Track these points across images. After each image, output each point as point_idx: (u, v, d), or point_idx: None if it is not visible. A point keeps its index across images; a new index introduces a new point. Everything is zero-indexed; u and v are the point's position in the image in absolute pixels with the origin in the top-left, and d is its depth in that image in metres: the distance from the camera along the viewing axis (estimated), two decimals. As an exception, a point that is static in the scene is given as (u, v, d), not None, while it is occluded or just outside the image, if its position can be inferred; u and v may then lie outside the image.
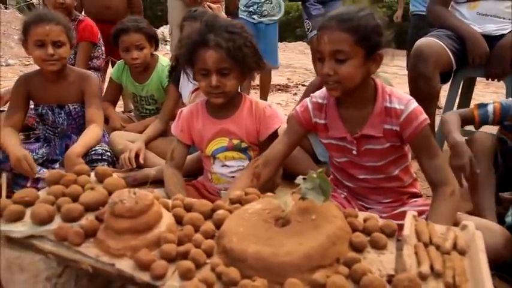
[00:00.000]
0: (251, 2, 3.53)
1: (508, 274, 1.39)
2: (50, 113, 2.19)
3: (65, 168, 1.87)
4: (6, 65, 6.24)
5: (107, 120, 2.50)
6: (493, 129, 2.03)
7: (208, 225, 1.04)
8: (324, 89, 1.52)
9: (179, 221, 1.09)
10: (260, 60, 1.62)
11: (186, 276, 0.89)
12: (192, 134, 1.71)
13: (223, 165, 1.68)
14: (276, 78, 5.13)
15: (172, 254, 0.95)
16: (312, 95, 1.55)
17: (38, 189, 1.85)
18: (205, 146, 1.68)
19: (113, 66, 3.04)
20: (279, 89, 4.86)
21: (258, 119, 1.64)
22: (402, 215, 1.37)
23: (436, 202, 1.33)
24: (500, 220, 1.53)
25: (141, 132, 2.41)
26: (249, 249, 0.91)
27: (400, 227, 1.06)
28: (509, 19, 2.31)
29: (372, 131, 1.40)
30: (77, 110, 2.20)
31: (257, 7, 3.54)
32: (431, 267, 0.91)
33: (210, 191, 1.74)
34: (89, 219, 1.07)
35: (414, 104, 1.37)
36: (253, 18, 3.55)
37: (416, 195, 1.53)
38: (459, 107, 3.01)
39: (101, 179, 1.25)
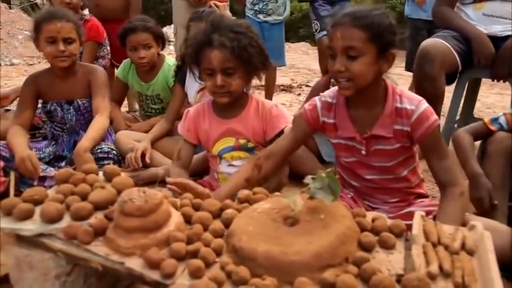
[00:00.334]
0: (257, 0, 3.55)
1: (514, 275, 1.39)
2: (58, 109, 2.22)
3: (75, 164, 1.88)
4: (11, 65, 6.26)
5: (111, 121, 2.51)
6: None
7: (217, 224, 1.04)
8: (333, 89, 1.52)
9: (188, 220, 1.09)
10: (266, 60, 1.63)
11: (195, 274, 0.90)
12: (199, 133, 1.71)
13: (230, 165, 1.69)
14: (280, 78, 5.13)
15: (181, 253, 0.95)
16: (321, 94, 1.55)
17: (45, 188, 1.88)
18: (212, 146, 1.69)
19: (113, 66, 3.05)
20: (283, 90, 4.86)
21: (265, 118, 1.65)
22: (409, 215, 1.37)
23: (445, 202, 1.33)
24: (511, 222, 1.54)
25: (146, 131, 2.41)
26: (258, 248, 0.92)
27: (408, 227, 1.07)
28: (515, 20, 2.31)
29: (382, 132, 1.40)
30: (85, 105, 2.22)
31: (262, 5, 3.55)
32: (440, 267, 0.91)
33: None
34: (98, 217, 1.08)
35: (425, 105, 1.37)
36: (259, 18, 3.56)
37: (423, 196, 1.53)
38: (464, 108, 3.01)
39: (109, 178, 1.25)
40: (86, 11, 2.96)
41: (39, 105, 2.26)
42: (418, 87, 2.28)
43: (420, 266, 0.91)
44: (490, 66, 2.30)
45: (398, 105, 1.38)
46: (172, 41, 3.83)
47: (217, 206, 1.13)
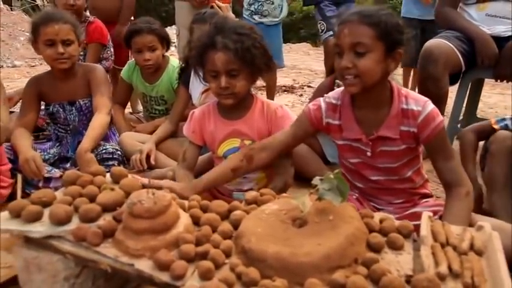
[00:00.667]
0: (252, 0, 3.54)
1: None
2: (61, 110, 2.23)
3: (78, 165, 1.89)
4: (13, 66, 6.27)
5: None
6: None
7: (226, 226, 1.05)
8: (338, 90, 1.52)
9: (196, 221, 1.10)
10: (270, 61, 1.63)
11: (206, 276, 0.90)
12: (204, 135, 1.71)
13: (235, 166, 1.68)
14: (282, 79, 5.13)
15: (191, 255, 0.95)
16: (326, 95, 1.55)
17: (51, 188, 1.89)
18: (217, 147, 1.69)
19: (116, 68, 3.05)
20: (285, 90, 4.87)
21: (270, 119, 1.65)
22: (414, 216, 1.38)
23: (451, 203, 1.33)
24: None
25: (150, 132, 2.42)
26: (268, 250, 0.92)
27: (415, 227, 1.07)
28: (518, 20, 2.32)
29: (389, 133, 1.40)
30: (87, 105, 2.23)
31: (258, 6, 3.54)
32: (450, 268, 0.91)
33: (222, 191, 1.75)
34: (106, 219, 1.08)
35: (431, 106, 1.37)
36: (254, 19, 3.54)
37: (428, 196, 1.54)
38: (467, 108, 3.01)
39: (116, 179, 1.26)
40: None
41: (42, 108, 2.27)
42: (422, 87, 2.29)
43: (429, 267, 0.92)
44: (493, 67, 2.31)
45: (405, 106, 1.39)
46: (174, 42, 3.82)
47: (225, 208, 1.13)
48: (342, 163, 1.58)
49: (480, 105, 3.33)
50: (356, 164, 1.51)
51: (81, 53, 2.73)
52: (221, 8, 2.50)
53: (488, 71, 2.36)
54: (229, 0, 3.24)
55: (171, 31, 4.83)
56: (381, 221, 1.08)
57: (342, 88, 1.50)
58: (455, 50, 2.26)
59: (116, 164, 2.07)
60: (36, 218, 1.09)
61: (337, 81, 1.91)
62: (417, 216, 1.35)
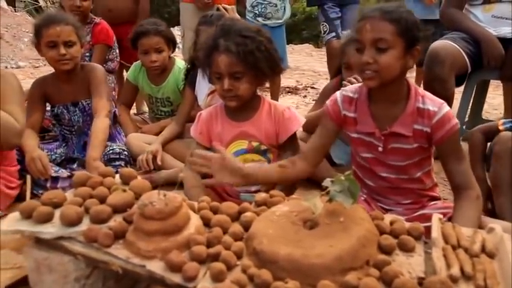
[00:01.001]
0: (256, 1, 3.54)
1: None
2: (65, 111, 2.25)
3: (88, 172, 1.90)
4: (17, 67, 6.28)
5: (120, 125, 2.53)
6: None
7: (237, 227, 1.05)
8: (356, 84, 1.54)
9: (206, 223, 1.10)
10: (274, 64, 1.62)
11: (218, 278, 0.90)
12: (211, 136, 1.71)
13: (243, 168, 1.68)
14: (285, 80, 5.13)
15: (202, 256, 0.96)
16: (342, 88, 1.57)
17: (58, 189, 1.90)
18: (225, 149, 1.69)
19: (122, 69, 3.06)
20: (289, 92, 4.87)
21: (277, 121, 1.65)
22: (423, 218, 1.39)
23: (461, 204, 1.33)
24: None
25: (156, 134, 2.43)
26: (280, 251, 0.92)
27: (425, 229, 1.07)
28: (525, 22, 2.32)
29: (402, 130, 1.41)
30: (90, 105, 2.24)
31: (261, 8, 3.54)
32: (462, 270, 0.91)
33: (230, 193, 1.74)
34: (117, 220, 1.08)
35: (447, 108, 1.39)
36: (258, 21, 3.55)
37: (436, 199, 1.54)
38: (472, 109, 3.01)
39: (125, 180, 1.26)
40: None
41: (48, 109, 2.29)
42: (428, 88, 2.28)
43: (441, 269, 0.92)
44: (499, 68, 2.31)
45: (421, 105, 1.39)
46: (178, 43, 3.83)
47: (235, 209, 1.13)
48: (354, 158, 1.59)
49: (484, 106, 3.33)
50: (368, 159, 1.52)
51: (87, 54, 2.75)
52: (227, 10, 2.50)
53: (494, 72, 2.37)
54: (234, 1, 3.25)
55: (174, 32, 4.84)
56: (391, 223, 1.08)
57: (359, 84, 1.53)
58: (462, 51, 2.26)
59: (123, 164, 2.09)
60: (47, 219, 1.09)
61: (344, 82, 1.90)
62: (426, 218, 1.35)
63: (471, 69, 2.33)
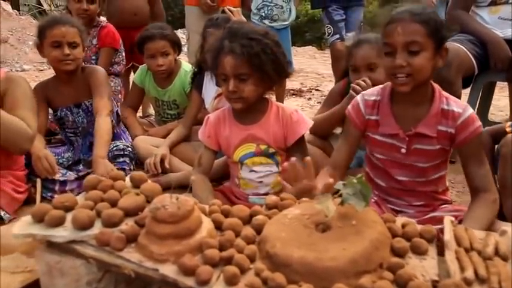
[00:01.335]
0: (262, 4, 3.55)
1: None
2: (68, 113, 2.26)
3: (96, 172, 1.91)
4: (22, 71, 6.30)
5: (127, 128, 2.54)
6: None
7: (249, 231, 1.04)
8: (376, 87, 1.55)
9: (217, 226, 1.10)
10: (281, 68, 1.62)
11: (231, 281, 0.90)
12: (219, 139, 1.72)
13: (251, 171, 1.69)
14: (289, 83, 5.13)
15: (215, 259, 0.95)
16: (363, 92, 1.58)
17: (66, 191, 1.91)
18: (233, 152, 1.69)
19: (135, 72, 3.07)
20: (293, 94, 4.86)
21: (285, 124, 1.65)
22: (433, 220, 1.39)
23: (476, 205, 1.34)
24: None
25: (163, 136, 2.43)
26: (293, 255, 0.92)
27: (436, 232, 1.07)
28: (531, 24, 2.31)
29: (427, 130, 1.41)
30: (93, 105, 2.24)
31: (267, 10, 3.55)
32: (476, 273, 0.91)
33: (238, 196, 1.75)
34: (129, 224, 1.08)
35: (471, 110, 1.40)
36: (264, 23, 3.55)
37: (447, 203, 1.54)
38: (478, 111, 3.00)
39: (136, 184, 1.26)
40: (102, 18, 2.98)
41: (50, 113, 2.31)
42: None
43: (455, 272, 0.91)
44: (506, 70, 2.30)
45: (445, 107, 1.40)
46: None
47: (246, 212, 1.13)
48: (369, 159, 1.59)
49: (490, 108, 3.32)
50: (384, 161, 1.52)
51: (93, 57, 2.76)
52: (232, 12, 2.50)
53: (501, 74, 2.37)
54: (239, 3, 3.26)
55: (178, 35, 4.84)
56: (403, 226, 1.08)
57: (380, 86, 1.54)
58: (468, 53, 2.26)
59: (128, 161, 2.09)
60: (59, 222, 1.09)
61: (352, 85, 1.90)
62: (436, 220, 1.35)
63: (478, 71, 2.34)
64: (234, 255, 0.95)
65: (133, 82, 2.77)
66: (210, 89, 2.28)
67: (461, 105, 1.41)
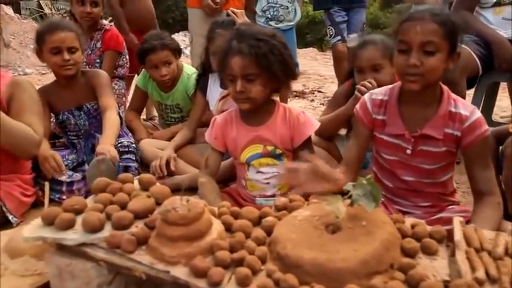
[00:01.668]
0: (267, 5, 3.55)
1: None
2: (70, 116, 2.27)
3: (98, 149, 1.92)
4: (24, 74, 6.32)
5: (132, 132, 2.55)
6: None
7: (259, 232, 1.05)
8: (384, 87, 1.55)
9: (227, 228, 1.10)
10: (288, 69, 1.63)
11: (243, 283, 0.90)
12: (226, 141, 1.72)
13: (258, 172, 1.69)
14: (292, 84, 5.13)
15: (226, 261, 0.96)
16: (371, 91, 1.58)
17: (74, 191, 1.92)
18: (240, 153, 1.70)
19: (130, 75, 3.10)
20: (296, 96, 4.87)
21: (292, 125, 1.66)
22: (441, 221, 1.38)
23: (482, 208, 1.33)
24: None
25: (168, 139, 2.43)
26: (305, 256, 0.92)
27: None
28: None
29: (433, 132, 1.41)
30: (94, 107, 2.27)
31: (273, 11, 3.56)
32: (487, 273, 0.91)
33: (245, 197, 1.75)
34: (139, 226, 1.08)
35: (479, 113, 1.40)
36: (270, 25, 3.55)
37: (454, 204, 1.54)
38: (482, 112, 2.99)
39: (145, 186, 1.26)
40: (104, 21, 3.00)
41: (52, 117, 2.32)
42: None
43: (466, 272, 0.91)
44: (510, 70, 2.30)
45: (453, 109, 1.40)
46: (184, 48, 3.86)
47: (256, 214, 1.13)
48: (375, 159, 1.59)
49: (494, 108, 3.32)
50: (391, 161, 1.52)
51: (97, 61, 2.77)
52: (236, 14, 2.50)
53: (506, 75, 2.37)
54: (242, 6, 3.26)
55: (178, 37, 4.86)
56: (413, 226, 1.08)
57: (388, 86, 1.54)
58: (473, 54, 2.26)
59: (133, 158, 2.11)
60: (69, 225, 1.10)
61: (358, 86, 1.90)
62: (444, 221, 1.36)
63: (482, 72, 2.34)
64: (245, 257, 0.95)
65: (136, 85, 2.78)
66: (214, 91, 2.29)
67: (468, 108, 1.41)
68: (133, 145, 2.20)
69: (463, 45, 2.23)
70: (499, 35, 2.32)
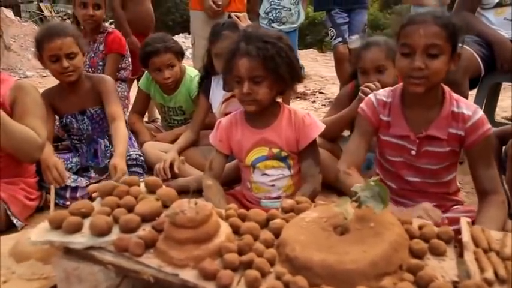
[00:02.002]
0: (270, 7, 3.56)
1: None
2: (73, 120, 2.26)
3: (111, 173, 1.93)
4: (25, 77, 6.31)
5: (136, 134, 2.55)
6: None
7: (268, 234, 1.05)
8: (387, 88, 1.56)
9: (235, 230, 1.10)
10: (294, 71, 1.63)
11: (253, 285, 0.90)
12: (231, 144, 1.72)
13: (263, 174, 1.69)
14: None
15: (235, 264, 0.96)
16: (375, 92, 1.60)
17: (77, 198, 1.91)
18: (245, 156, 1.69)
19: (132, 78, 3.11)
20: (297, 97, 4.87)
21: (298, 128, 1.66)
22: (446, 221, 1.38)
23: (487, 208, 1.34)
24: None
25: (172, 141, 2.43)
26: (314, 258, 0.92)
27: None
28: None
29: (438, 133, 1.43)
30: (98, 112, 2.27)
31: (276, 13, 3.57)
32: (495, 273, 0.91)
33: (250, 200, 1.75)
34: (147, 229, 1.08)
35: (481, 112, 1.41)
36: (273, 27, 3.56)
37: (459, 204, 1.54)
38: (484, 112, 2.99)
39: (151, 189, 1.26)
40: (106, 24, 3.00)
41: (56, 120, 2.31)
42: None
43: (475, 273, 0.92)
44: (512, 71, 2.31)
45: (455, 109, 1.42)
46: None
47: (263, 216, 1.13)
48: (379, 161, 1.59)
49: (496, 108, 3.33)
50: (395, 162, 1.52)
51: (100, 63, 2.77)
52: (239, 18, 2.51)
53: (508, 75, 2.37)
54: (244, 8, 3.27)
55: (178, 39, 4.84)
56: (420, 227, 1.08)
57: (390, 88, 1.55)
58: (475, 54, 2.26)
59: (141, 171, 2.11)
60: (76, 229, 1.10)
61: (362, 88, 1.91)
62: (449, 221, 1.36)
63: (484, 72, 2.34)
64: (254, 259, 0.95)
65: (139, 88, 2.78)
66: (217, 93, 2.29)
67: (471, 107, 1.43)
68: (142, 158, 2.20)
69: (465, 46, 2.25)
70: (501, 35, 2.32)
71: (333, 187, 2.02)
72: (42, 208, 1.99)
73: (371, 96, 1.57)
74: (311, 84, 5.71)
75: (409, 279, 0.90)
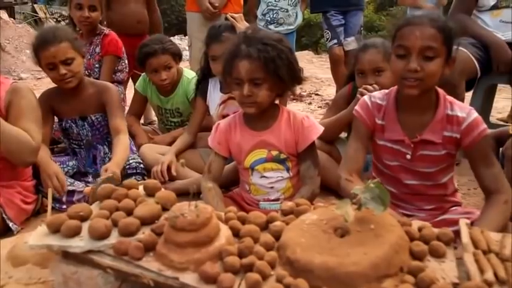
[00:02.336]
0: (267, 9, 3.56)
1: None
2: (73, 125, 2.24)
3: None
4: (19, 79, 6.28)
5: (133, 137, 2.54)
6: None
7: (268, 237, 1.05)
8: (383, 91, 1.56)
9: (235, 233, 1.09)
10: (294, 74, 1.63)
11: (254, 288, 0.90)
12: (230, 146, 1.72)
13: (262, 177, 1.68)
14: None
15: (236, 267, 0.95)
16: (370, 94, 1.59)
17: (74, 202, 1.89)
18: (244, 158, 1.69)
19: (134, 79, 3.08)
20: (294, 99, 4.87)
21: (297, 130, 1.66)
22: (444, 223, 1.39)
23: (489, 207, 1.35)
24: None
25: (168, 144, 2.42)
26: (315, 260, 0.92)
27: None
28: (533, 26, 2.34)
29: (432, 137, 1.43)
30: (99, 119, 2.24)
31: (273, 15, 3.56)
32: (495, 275, 0.91)
33: (249, 202, 1.74)
34: (146, 233, 1.08)
35: (475, 114, 1.41)
36: (270, 29, 3.56)
37: (457, 205, 1.55)
38: (480, 114, 3.01)
39: (150, 192, 1.26)
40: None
41: (56, 121, 2.29)
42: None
43: (475, 274, 0.92)
44: (508, 72, 2.32)
45: (449, 112, 1.42)
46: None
47: (263, 219, 1.13)
48: (376, 166, 1.59)
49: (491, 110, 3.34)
50: (392, 166, 1.52)
51: (97, 65, 2.75)
52: (235, 19, 2.50)
53: (504, 77, 2.38)
54: (240, 10, 3.26)
55: (174, 41, 4.84)
56: (420, 229, 1.08)
57: (384, 90, 1.55)
58: (471, 56, 2.27)
59: (140, 178, 2.09)
60: (75, 232, 1.09)
61: (360, 89, 1.91)
62: (448, 223, 1.37)
63: (480, 74, 2.35)
64: (254, 262, 0.95)
65: (135, 90, 2.77)
66: (214, 95, 2.29)
67: (465, 109, 1.42)
68: (141, 165, 2.18)
69: (461, 48, 2.28)
70: (497, 37, 2.33)
71: (332, 189, 2.02)
72: (38, 212, 1.98)
73: (366, 98, 1.57)
74: (307, 86, 5.71)
75: (410, 281, 0.90)
